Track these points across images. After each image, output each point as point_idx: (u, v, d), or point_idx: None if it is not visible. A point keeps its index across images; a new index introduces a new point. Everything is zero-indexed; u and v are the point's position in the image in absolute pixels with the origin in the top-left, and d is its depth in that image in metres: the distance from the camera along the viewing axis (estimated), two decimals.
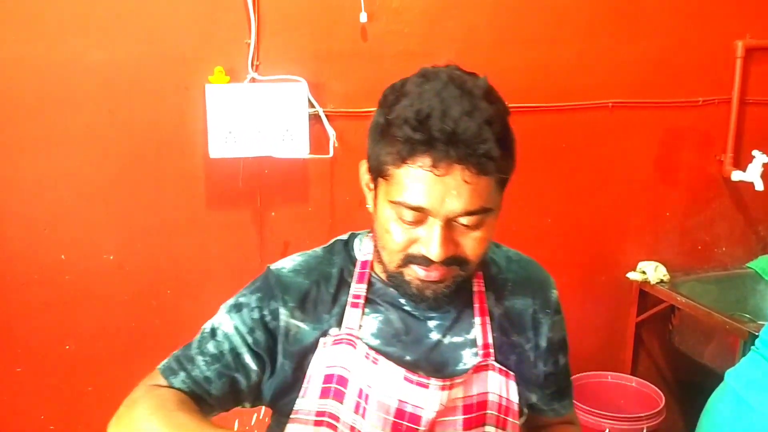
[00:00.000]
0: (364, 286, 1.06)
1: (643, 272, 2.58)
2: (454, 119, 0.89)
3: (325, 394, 1.03)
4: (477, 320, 1.09)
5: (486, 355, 1.07)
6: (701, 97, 2.55)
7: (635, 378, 2.58)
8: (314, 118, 2.15)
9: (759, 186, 2.47)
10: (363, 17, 2.13)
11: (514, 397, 1.08)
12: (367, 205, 1.04)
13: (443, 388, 1.02)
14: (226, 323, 1.07)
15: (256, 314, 1.06)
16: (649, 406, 2.42)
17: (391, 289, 1.06)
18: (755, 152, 2.48)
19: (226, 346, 1.05)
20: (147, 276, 2.15)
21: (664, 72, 2.50)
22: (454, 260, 0.96)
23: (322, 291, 1.07)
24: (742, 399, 1.48)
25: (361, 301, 1.05)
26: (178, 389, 1.04)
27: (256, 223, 2.21)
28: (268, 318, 1.05)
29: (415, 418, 1.01)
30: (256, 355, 1.05)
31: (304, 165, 2.21)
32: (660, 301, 2.54)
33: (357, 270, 1.08)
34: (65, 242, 2.07)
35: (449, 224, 0.94)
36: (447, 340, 1.07)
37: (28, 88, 1.96)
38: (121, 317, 2.15)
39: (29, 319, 2.08)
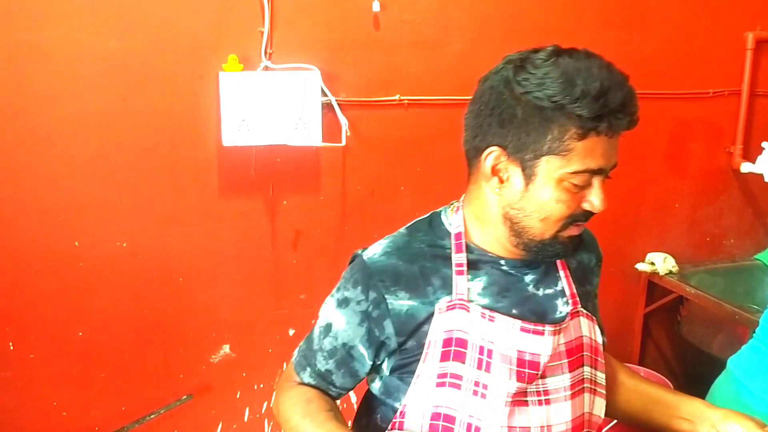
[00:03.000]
0: (463, 255, 1.15)
1: (652, 263, 2.58)
2: (622, 87, 1.02)
3: (445, 357, 1.11)
4: (561, 273, 1.22)
5: (575, 303, 1.20)
6: (711, 89, 2.56)
7: (643, 368, 2.58)
8: (327, 107, 2.16)
9: None
10: (376, 6, 2.13)
11: (599, 339, 1.23)
12: (492, 191, 1.11)
13: (554, 333, 1.14)
14: (338, 319, 1.17)
15: (362, 306, 1.14)
16: None
17: (489, 254, 1.16)
18: (765, 144, 2.48)
19: (339, 342, 1.17)
20: (159, 264, 2.16)
21: (674, 63, 2.50)
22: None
23: (419, 266, 1.14)
24: (743, 385, 1.50)
25: (464, 268, 1.14)
26: (308, 384, 1.21)
27: (268, 211, 2.22)
28: (373, 308, 1.13)
29: (534, 364, 1.11)
30: (369, 344, 1.15)
31: (317, 154, 2.21)
32: (668, 292, 2.55)
33: (453, 241, 1.16)
34: (78, 229, 2.07)
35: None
36: (541, 292, 1.18)
37: (41, 76, 1.96)
38: (134, 305, 2.16)
39: (42, 306, 2.09)
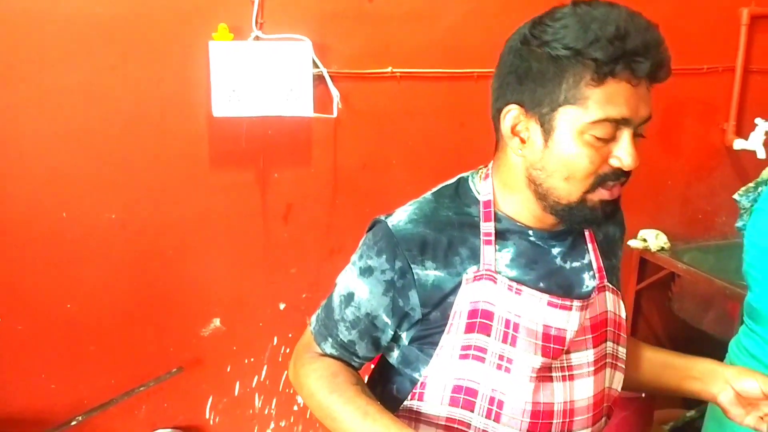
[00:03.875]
0: (491, 224, 1.11)
1: (644, 240, 2.58)
2: (646, 30, 0.98)
3: (470, 329, 1.08)
4: (590, 246, 1.17)
5: (601, 277, 1.16)
6: (705, 65, 2.55)
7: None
8: (318, 79, 2.14)
9: (761, 154, 2.47)
10: None
11: (623, 314, 1.19)
12: (515, 152, 1.06)
13: (581, 308, 1.10)
14: (361, 288, 1.13)
15: (387, 276, 1.10)
16: None
17: (518, 223, 1.11)
18: (758, 120, 2.48)
19: (362, 311, 1.13)
20: (149, 235, 2.14)
21: (668, 39, 2.43)
22: (630, 172, 1.04)
23: (446, 235, 1.10)
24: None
25: (492, 237, 1.10)
26: (330, 354, 1.17)
27: (259, 184, 2.20)
28: (398, 278, 1.09)
29: (560, 339, 1.08)
30: (393, 314, 1.12)
31: (308, 127, 2.19)
32: (660, 268, 2.55)
33: (482, 210, 1.12)
34: (66, 200, 2.05)
35: (633, 135, 1.01)
36: (568, 265, 1.14)
37: (29, 43, 1.93)
38: (122, 277, 2.15)
39: (30, 278, 2.07)
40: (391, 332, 1.14)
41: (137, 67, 2.02)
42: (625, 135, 1.00)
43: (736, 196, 1.63)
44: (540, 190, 1.06)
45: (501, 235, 1.11)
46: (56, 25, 1.94)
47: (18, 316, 2.09)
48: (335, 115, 2.15)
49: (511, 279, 1.08)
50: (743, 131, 2.58)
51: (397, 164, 2.31)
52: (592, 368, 1.12)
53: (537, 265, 1.11)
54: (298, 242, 2.28)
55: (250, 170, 2.18)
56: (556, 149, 1.02)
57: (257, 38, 2.06)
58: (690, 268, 2.40)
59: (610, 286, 1.17)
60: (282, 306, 2.32)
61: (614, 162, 1.01)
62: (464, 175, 1.18)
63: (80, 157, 2.03)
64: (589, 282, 1.15)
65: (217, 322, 2.27)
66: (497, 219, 1.11)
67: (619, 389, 1.20)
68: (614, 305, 1.17)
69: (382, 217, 1.14)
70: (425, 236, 1.09)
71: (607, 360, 1.16)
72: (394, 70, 2.21)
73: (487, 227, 1.10)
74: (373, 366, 1.27)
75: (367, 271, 1.11)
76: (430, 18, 2.22)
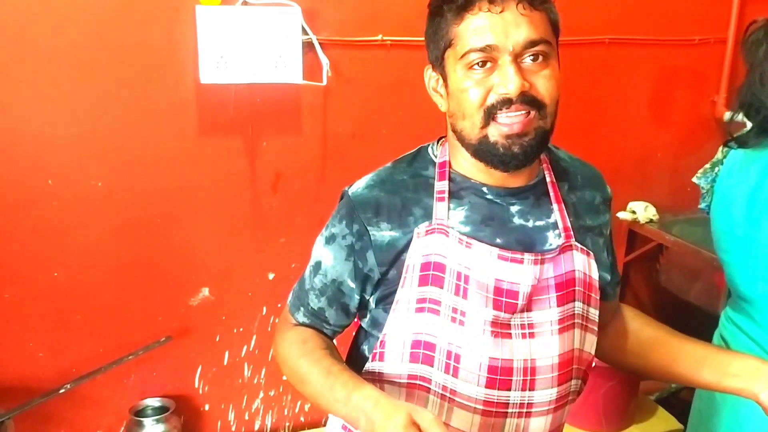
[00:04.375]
0: (446, 182, 1.14)
1: (633, 212, 2.59)
2: None
3: (423, 281, 1.10)
4: (555, 206, 1.17)
5: (568, 236, 1.16)
6: (697, 36, 2.54)
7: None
8: (308, 46, 2.11)
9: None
10: None
11: (595, 275, 1.18)
12: (440, 108, 1.14)
13: (535, 262, 1.11)
14: (326, 256, 1.17)
15: (348, 240, 1.14)
16: None
17: (473, 181, 1.14)
18: None
19: (329, 278, 1.17)
20: (136, 204, 2.12)
21: (661, 9, 2.47)
22: (531, 102, 1.03)
23: (400, 197, 1.14)
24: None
25: (446, 195, 1.13)
26: (302, 323, 1.22)
27: (248, 152, 2.18)
28: (356, 241, 1.14)
29: (513, 294, 1.10)
30: (356, 278, 1.15)
31: (297, 95, 2.17)
32: (648, 240, 2.56)
33: (437, 170, 1.15)
34: (52, 168, 2.03)
35: (518, 62, 1.03)
36: (530, 223, 1.15)
37: (9, 8, 1.89)
38: (110, 245, 2.13)
39: (16, 245, 2.05)
40: (357, 297, 1.17)
41: (123, 33, 1.98)
42: (503, 61, 1.02)
43: (695, 179, 1.65)
44: (458, 137, 1.10)
45: (456, 194, 1.14)
46: None
47: (4, 285, 2.07)
48: (324, 83, 2.12)
49: (463, 233, 1.11)
50: (734, 104, 2.57)
51: (387, 134, 2.30)
52: (556, 327, 1.12)
53: (493, 221, 1.13)
54: (287, 212, 2.27)
55: (238, 138, 2.16)
56: (451, 92, 1.08)
57: (245, 3, 2.02)
58: (678, 240, 2.41)
59: (578, 245, 1.16)
60: (271, 276, 2.32)
61: (500, 90, 1.03)
62: (426, 144, 1.22)
63: (65, 125, 2.00)
64: (553, 240, 1.15)
65: (206, 291, 2.26)
66: (452, 179, 1.15)
67: (593, 352, 1.20)
68: (584, 265, 1.16)
69: (347, 188, 1.18)
70: (379, 199, 1.13)
71: (576, 321, 1.15)
72: (385, 38, 2.19)
73: (441, 185, 1.14)
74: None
75: (331, 239, 1.17)
76: None
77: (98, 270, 2.14)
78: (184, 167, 2.14)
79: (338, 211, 1.17)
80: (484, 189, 1.14)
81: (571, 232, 1.16)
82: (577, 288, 1.15)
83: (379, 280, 1.14)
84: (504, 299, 1.09)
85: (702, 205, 1.67)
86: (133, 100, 2.04)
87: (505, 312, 1.09)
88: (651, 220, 2.57)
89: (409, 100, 2.27)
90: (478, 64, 1.03)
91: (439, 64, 1.10)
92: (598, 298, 1.19)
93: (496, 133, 1.05)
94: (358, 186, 1.17)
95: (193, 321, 2.27)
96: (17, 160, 1.99)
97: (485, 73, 1.03)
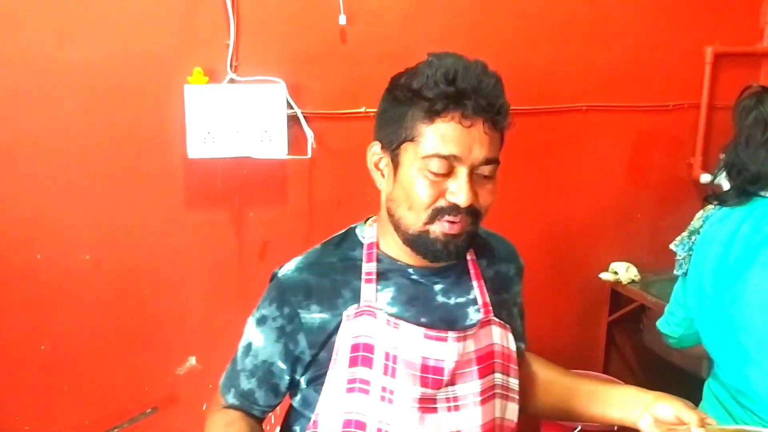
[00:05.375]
0: (373, 264, 1.17)
1: (615, 272, 2.63)
2: (476, 75, 1.06)
3: (353, 362, 1.13)
4: (475, 283, 1.23)
5: (487, 312, 1.21)
6: (671, 102, 2.61)
7: (607, 376, 2.62)
8: (293, 119, 2.17)
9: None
10: (342, 20, 2.15)
11: (513, 346, 1.24)
12: (378, 185, 1.17)
13: (458, 339, 1.15)
14: (256, 337, 1.20)
15: (278, 323, 1.17)
16: None
17: (399, 262, 1.18)
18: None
19: (259, 359, 1.19)
20: (124, 275, 2.15)
21: (636, 76, 2.55)
22: (472, 211, 1.10)
23: (329, 279, 1.17)
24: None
25: (373, 277, 1.16)
26: (232, 405, 1.23)
27: (235, 223, 2.22)
28: (287, 323, 1.16)
29: (438, 370, 1.13)
30: (286, 359, 1.17)
31: (283, 166, 2.22)
32: (631, 300, 2.59)
33: (365, 252, 1.19)
34: (41, 241, 2.05)
35: (471, 175, 1.08)
36: (452, 300, 1.20)
37: (3, 86, 1.94)
38: (98, 317, 2.15)
39: (4, 319, 2.07)
40: (287, 377, 1.19)
41: (112, 110, 2.04)
42: (460, 172, 1.07)
43: (672, 246, 1.69)
44: (393, 220, 1.14)
45: (383, 275, 1.18)
46: (32, 69, 1.95)
47: None
48: (309, 155, 2.18)
49: (390, 314, 1.14)
50: (709, 166, 2.65)
51: (372, 200, 2.32)
52: (479, 398, 1.16)
53: (418, 301, 1.17)
54: None
55: (225, 209, 2.20)
56: (401, 181, 1.11)
57: (232, 81, 2.09)
58: (659, 301, 2.44)
59: (497, 320, 1.22)
60: None
61: (450, 197, 1.08)
62: (354, 225, 1.27)
63: (54, 199, 2.04)
64: (473, 316, 1.20)
65: (192, 360, 2.27)
66: (379, 260, 1.19)
67: (515, 419, 1.24)
68: (502, 338, 1.22)
69: (277, 270, 1.21)
70: (309, 281, 1.16)
71: (497, 391, 1.20)
72: (368, 109, 2.24)
73: (369, 267, 1.17)
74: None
75: (261, 321, 1.19)
76: (403, 58, 2.20)
77: (85, 341, 2.15)
78: (171, 238, 2.17)
79: (269, 293, 1.19)
80: (410, 270, 1.18)
81: (490, 308, 1.22)
82: (496, 360, 1.21)
83: (309, 361, 1.16)
84: (430, 376, 1.13)
85: (678, 272, 1.71)
86: (122, 175, 2.08)
87: (431, 388, 1.13)
88: (633, 281, 2.60)
89: None
90: (438, 168, 1.07)
91: (390, 149, 1.12)
92: (516, 368, 1.24)
93: (438, 230, 1.10)
94: (288, 268, 1.20)
95: (180, 390, 2.27)
96: (5, 234, 2.02)
97: (441, 177, 1.08)
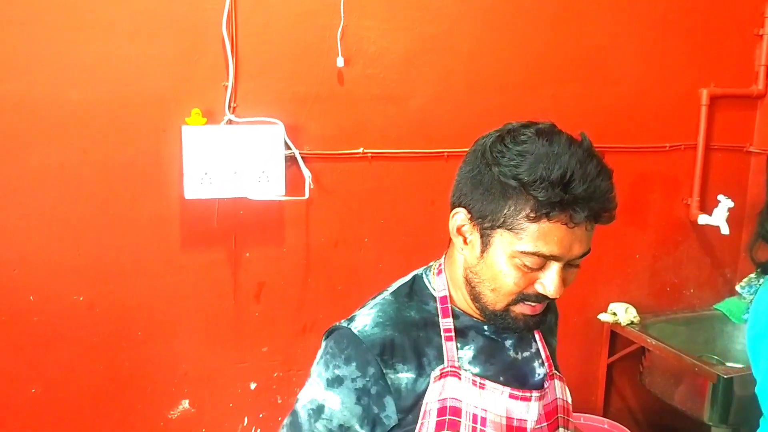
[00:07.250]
0: (450, 320, 1.15)
1: (614, 314, 2.61)
2: (591, 181, 0.99)
3: (440, 426, 1.09)
4: (536, 335, 1.24)
5: (550, 366, 1.23)
6: (668, 143, 2.62)
7: (607, 420, 2.59)
8: (290, 160, 2.17)
9: (724, 230, 2.52)
10: (340, 62, 2.16)
11: (569, 398, 1.25)
12: (458, 249, 1.12)
13: (539, 398, 1.16)
14: (331, 399, 1.11)
15: (358, 383, 1.09)
16: None
17: (474, 318, 1.16)
18: (720, 197, 2.54)
19: (335, 423, 1.10)
20: (118, 317, 2.12)
21: (632, 118, 2.57)
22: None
23: (412, 336, 1.12)
24: None
25: (453, 333, 1.14)
26: None
27: (231, 263, 2.20)
28: (371, 384, 1.09)
29: (522, 430, 1.14)
30: (366, 422, 1.10)
31: (280, 206, 2.21)
32: (630, 342, 2.57)
33: (439, 306, 1.16)
34: (34, 283, 2.03)
35: (563, 266, 1.06)
36: (520, 356, 1.20)
37: (0, 126, 1.94)
38: (91, 360, 2.11)
39: None
40: None
41: (110, 150, 2.03)
42: (554, 267, 1.04)
43: (738, 288, 1.63)
44: (473, 291, 1.12)
45: (461, 332, 1.15)
46: (28, 108, 1.95)
47: None
48: (307, 196, 2.17)
49: (474, 374, 1.12)
50: (707, 206, 2.65)
51: (369, 242, 2.33)
52: None
53: (494, 359, 1.16)
54: (270, 320, 2.27)
55: (221, 250, 2.18)
56: (490, 262, 1.07)
57: (230, 122, 2.09)
58: (659, 344, 2.42)
59: (558, 373, 1.23)
60: (253, 385, 2.29)
61: (539, 287, 1.06)
62: (418, 272, 1.23)
63: (49, 240, 2.02)
64: (539, 370, 1.21)
65: (185, 403, 2.23)
66: (455, 315, 1.16)
67: None
68: (562, 392, 1.24)
69: (343, 323, 1.14)
70: (393, 339, 1.11)
71: None
72: (366, 150, 2.25)
73: (447, 323, 1.14)
74: None
75: (336, 381, 1.10)
76: (400, 99, 2.27)
77: (77, 384, 2.11)
78: (166, 279, 2.15)
79: (342, 350, 1.11)
80: (485, 327, 1.16)
81: (552, 361, 1.23)
82: (559, 415, 1.21)
83: (394, 426, 1.11)
84: None
85: (745, 316, 1.66)
86: (117, 216, 2.07)
87: None
88: (632, 322, 2.58)
89: (389, 208, 2.32)
90: (534, 264, 1.03)
91: (483, 225, 1.06)
92: (574, 421, 1.25)
93: (519, 311, 1.09)
94: (365, 324, 1.12)
95: None
96: None
97: (534, 270, 1.05)
